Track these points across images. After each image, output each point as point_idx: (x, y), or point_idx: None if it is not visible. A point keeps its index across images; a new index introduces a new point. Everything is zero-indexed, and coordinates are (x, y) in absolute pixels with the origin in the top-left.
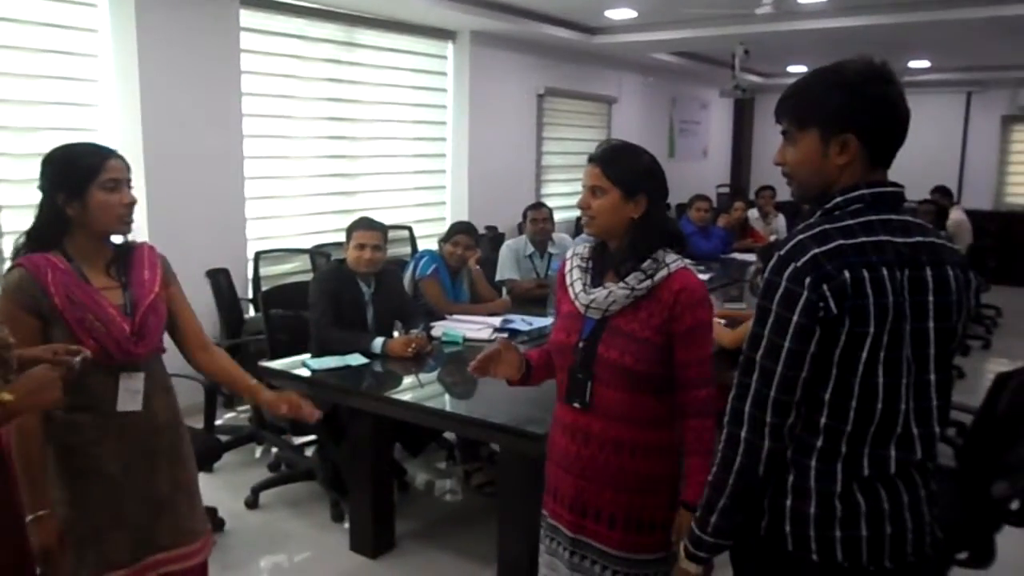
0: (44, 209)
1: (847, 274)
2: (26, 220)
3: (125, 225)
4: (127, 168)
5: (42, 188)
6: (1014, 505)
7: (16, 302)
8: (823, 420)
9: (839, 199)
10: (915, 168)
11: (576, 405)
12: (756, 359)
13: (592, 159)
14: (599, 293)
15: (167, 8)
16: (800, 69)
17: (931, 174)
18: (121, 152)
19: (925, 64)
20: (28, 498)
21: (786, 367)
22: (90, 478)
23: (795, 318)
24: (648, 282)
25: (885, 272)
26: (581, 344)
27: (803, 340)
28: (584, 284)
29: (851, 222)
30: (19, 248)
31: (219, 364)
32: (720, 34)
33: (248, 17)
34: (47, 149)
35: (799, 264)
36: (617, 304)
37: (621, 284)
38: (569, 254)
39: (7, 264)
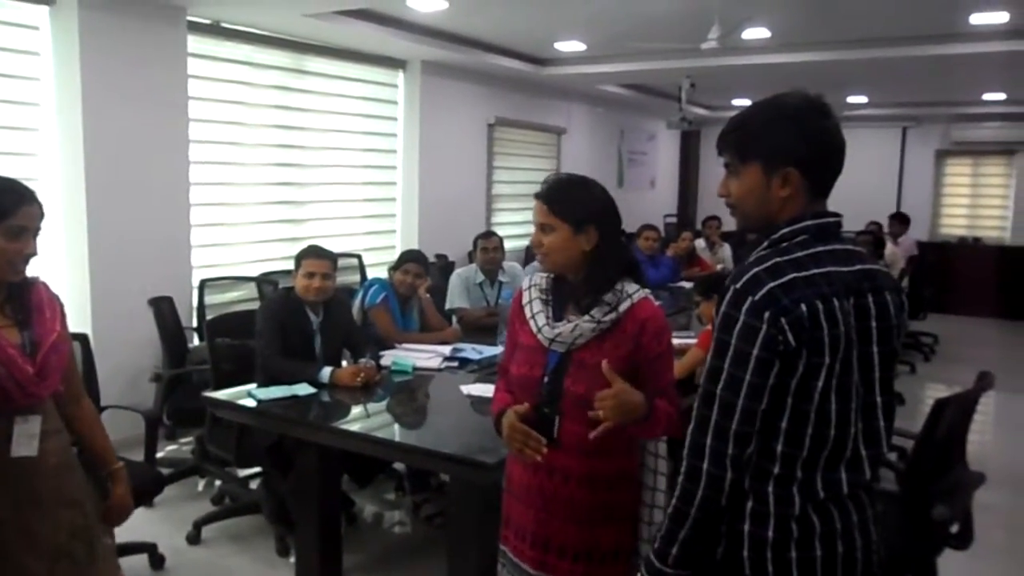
0: None
1: (803, 307)
2: None
3: (15, 274)
4: (40, 216)
5: None
6: (954, 528)
7: None
8: (779, 448)
9: (786, 230)
10: (854, 199)
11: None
12: (716, 392)
13: (538, 196)
14: (564, 327)
15: (112, 30)
16: (745, 102)
17: (870, 206)
18: (62, 178)
19: (863, 99)
20: None
21: (747, 399)
22: None
23: (755, 351)
24: (613, 314)
25: (836, 302)
26: (546, 379)
27: (763, 373)
28: (547, 317)
29: (800, 254)
30: None
31: (87, 424)
32: (667, 67)
33: (196, 43)
34: None
35: (756, 298)
36: (583, 338)
37: (586, 318)
38: (526, 284)
39: None
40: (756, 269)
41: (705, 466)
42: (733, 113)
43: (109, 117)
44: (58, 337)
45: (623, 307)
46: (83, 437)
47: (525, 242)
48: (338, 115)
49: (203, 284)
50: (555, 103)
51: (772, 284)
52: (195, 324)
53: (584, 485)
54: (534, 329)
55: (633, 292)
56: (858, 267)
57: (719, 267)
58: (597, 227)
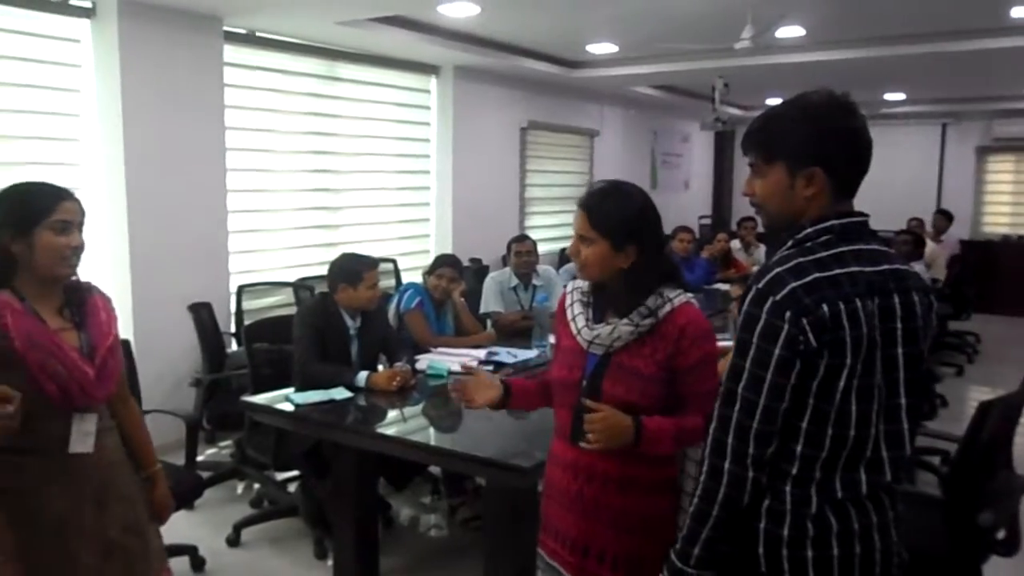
0: None
1: (825, 308)
2: None
3: (69, 268)
4: (81, 211)
5: None
6: (1000, 535)
7: None
8: (799, 448)
9: (810, 230)
10: (893, 198)
11: (583, 444)
12: (738, 391)
13: (580, 204)
14: (603, 329)
15: (151, 41)
16: (779, 101)
17: (909, 204)
18: (103, 186)
19: (901, 96)
20: None
21: (768, 399)
22: (34, 524)
23: (776, 351)
24: (652, 318)
25: (859, 303)
26: (585, 381)
27: (784, 372)
28: (587, 319)
29: (824, 254)
30: None
31: (133, 425)
32: (700, 68)
33: (232, 52)
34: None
35: (778, 298)
36: (621, 340)
37: (625, 321)
38: (569, 287)
39: None
40: (779, 269)
41: (727, 465)
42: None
43: (149, 126)
44: (115, 340)
45: (663, 312)
46: (128, 437)
47: (559, 245)
48: (372, 121)
49: (241, 290)
50: (587, 105)
51: (794, 284)
52: (233, 329)
53: (623, 490)
54: (574, 331)
55: (674, 297)
56: (884, 267)
57: (755, 268)
58: (637, 244)
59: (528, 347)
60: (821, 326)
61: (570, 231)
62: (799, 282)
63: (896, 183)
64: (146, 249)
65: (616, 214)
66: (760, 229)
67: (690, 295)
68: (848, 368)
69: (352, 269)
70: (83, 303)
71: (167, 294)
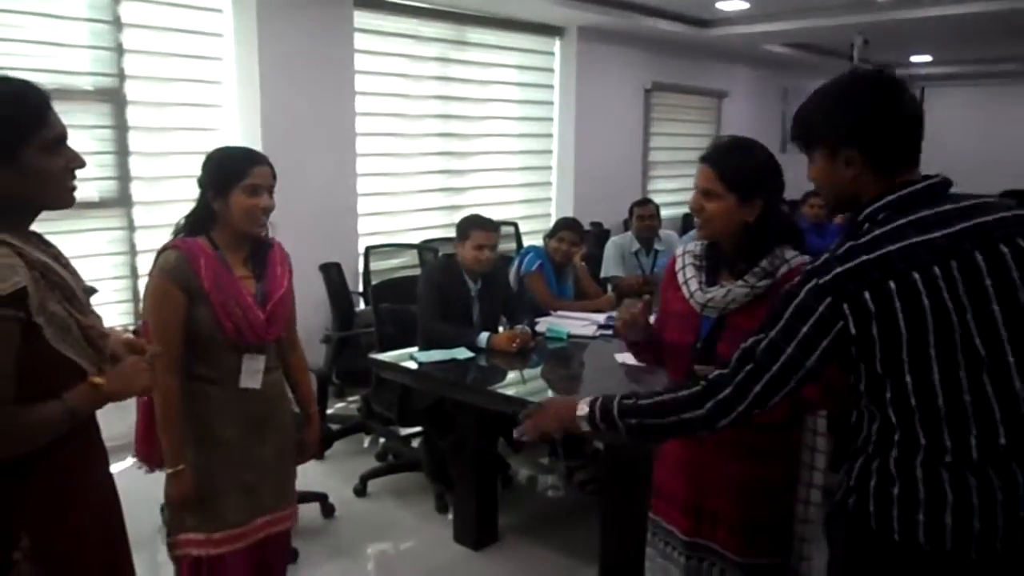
0: (198, 201)
1: (867, 294)
2: (157, 216)
3: (259, 227)
4: (272, 176)
5: (199, 182)
6: None
7: (171, 279)
8: (893, 417)
9: (868, 210)
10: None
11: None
12: (756, 352)
13: (704, 159)
14: (717, 292)
15: (286, 12)
16: (924, 58)
17: None
18: None
19: None
20: (168, 455)
21: (781, 369)
22: (210, 445)
23: (804, 329)
24: (768, 279)
25: (917, 276)
26: (699, 345)
27: (805, 350)
28: (700, 283)
29: (878, 232)
30: (179, 230)
31: (298, 369)
32: (837, 24)
33: (361, 18)
34: (176, 148)
35: (821, 282)
36: (736, 303)
37: (740, 282)
38: (679, 251)
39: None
40: (829, 255)
41: (715, 399)
42: (912, 71)
43: (283, 92)
44: (285, 292)
45: (780, 272)
46: (293, 379)
47: (682, 210)
48: (496, 85)
49: (368, 251)
50: (715, 65)
51: (839, 270)
52: (361, 289)
53: (738, 456)
54: (686, 295)
55: (791, 258)
56: (960, 227)
57: None
58: (762, 197)
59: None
60: (864, 311)
61: None
62: (843, 267)
63: None
64: (281, 210)
65: (743, 166)
66: None
67: (807, 257)
68: (909, 340)
69: (462, 225)
70: (265, 257)
71: (300, 254)
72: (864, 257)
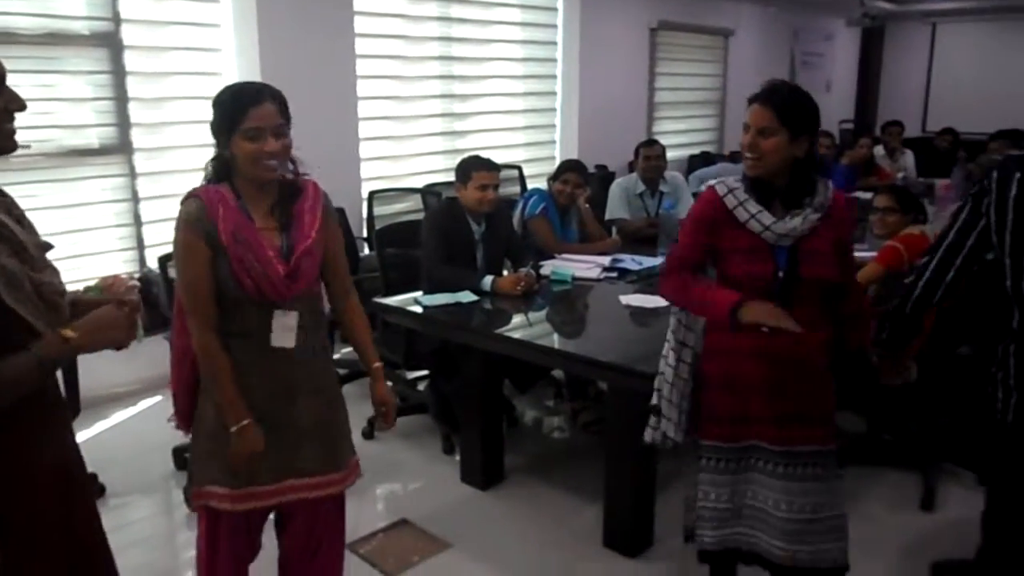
0: (216, 147)
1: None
2: (159, 163)
3: (268, 171)
4: (278, 113)
5: (210, 127)
6: None
7: (194, 231)
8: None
9: None
10: None
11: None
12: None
13: (759, 99)
14: (795, 221)
15: None
16: None
17: None
18: None
19: None
20: (227, 414)
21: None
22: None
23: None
24: (824, 207)
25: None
26: (781, 272)
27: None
28: (771, 216)
29: None
30: (208, 177)
31: (352, 321)
32: None
33: None
34: (176, 93)
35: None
36: (808, 229)
37: (810, 210)
38: (721, 190)
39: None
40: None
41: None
42: (925, 7)
43: (282, 34)
44: (312, 243)
45: (829, 198)
46: (348, 330)
47: (687, 152)
48: (499, 25)
49: (371, 196)
50: (722, 4)
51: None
52: (365, 234)
53: (819, 351)
54: (756, 229)
55: (829, 186)
56: None
57: (899, 175)
58: (810, 134)
59: (653, 254)
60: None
61: (701, 137)
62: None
63: None
64: None
65: (798, 105)
66: (907, 134)
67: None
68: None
69: (463, 167)
70: (293, 205)
71: None
72: None
